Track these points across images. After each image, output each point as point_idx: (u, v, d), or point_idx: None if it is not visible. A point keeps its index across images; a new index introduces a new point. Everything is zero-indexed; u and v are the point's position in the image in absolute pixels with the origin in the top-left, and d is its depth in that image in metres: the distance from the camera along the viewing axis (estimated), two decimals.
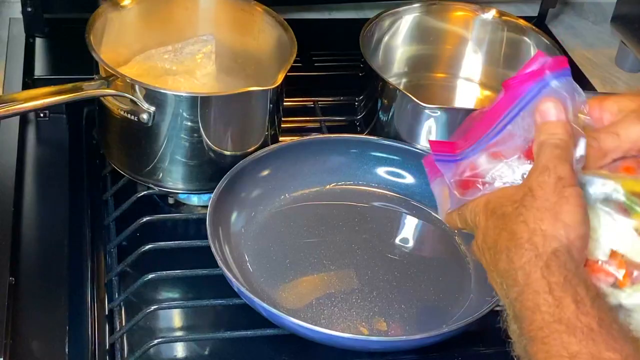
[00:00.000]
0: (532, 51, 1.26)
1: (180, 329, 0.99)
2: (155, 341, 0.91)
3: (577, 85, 0.75)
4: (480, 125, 0.78)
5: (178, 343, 0.96)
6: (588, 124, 0.75)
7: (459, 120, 1.09)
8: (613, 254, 0.70)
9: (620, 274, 0.70)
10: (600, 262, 0.70)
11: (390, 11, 1.27)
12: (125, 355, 0.92)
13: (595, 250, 0.70)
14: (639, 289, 0.70)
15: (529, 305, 0.64)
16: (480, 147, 0.77)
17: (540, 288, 0.64)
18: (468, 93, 1.33)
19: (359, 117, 1.24)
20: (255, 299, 0.90)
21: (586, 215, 0.68)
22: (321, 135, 1.21)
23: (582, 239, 0.67)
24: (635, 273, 0.70)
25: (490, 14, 1.29)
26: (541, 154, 0.70)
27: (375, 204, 1.12)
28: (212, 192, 1.01)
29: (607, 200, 0.72)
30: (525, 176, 0.72)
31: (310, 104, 1.31)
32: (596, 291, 0.65)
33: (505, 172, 0.75)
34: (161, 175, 1.06)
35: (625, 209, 0.71)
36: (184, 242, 1.02)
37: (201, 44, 1.17)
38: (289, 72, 1.04)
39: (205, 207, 1.02)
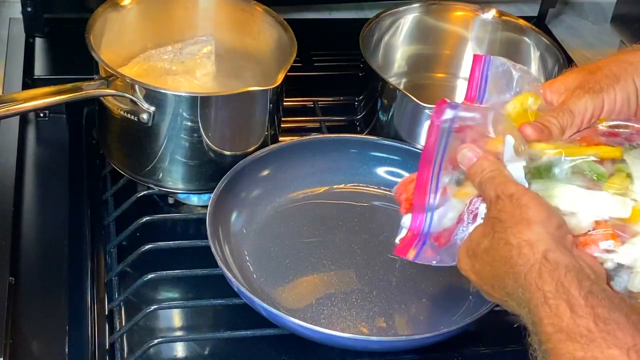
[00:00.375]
0: (532, 51, 1.27)
1: (180, 328, 0.99)
2: (155, 341, 0.91)
3: (523, 69, 0.84)
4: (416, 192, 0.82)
5: (178, 343, 0.96)
6: (542, 107, 0.82)
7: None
8: (597, 224, 0.74)
9: (609, 239, 0.74)
10: (587, 234, 0.74)
11: (390, 11, 1.27)
12: (125, 355, 0.92)
13: (580, 226, 0.74)
14: (631, 242, 0.73)
15: (536, 320, 0.66)
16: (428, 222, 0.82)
17: (538, 300, 0.66)
18: None
19: (359, 117, 1.24)
20: (255, 299, 0.90)
21: (550, 208, 0.72)
22: (321, 135, 1.21)
23: (560, 226, 0.71)
24: (622, 232, 0.74)
25: (490, 14, 1.29)
26: (485, 190, 0.75)
27: (375, 203, 1.12)
28: (212, 192, 1.01)
29: (576, 174, 0.76)
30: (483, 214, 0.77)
31: (310, 104, 1.31)
32: (591, 280, 0.66)
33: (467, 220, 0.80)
34: (161, 175, 1.06)
35: (593, 180, 0.76)
36: (184, 242, 1.02)
37: (201, 44, 1.17)
38: (289, 72, 1.04)
39: (205, 207, 1.02)
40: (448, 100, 0.79)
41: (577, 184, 0.75)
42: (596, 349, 0.61)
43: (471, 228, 0.78)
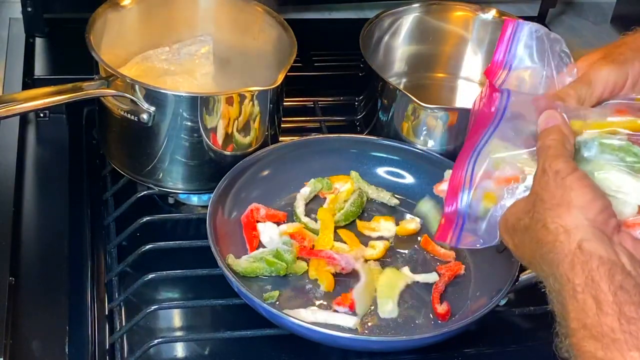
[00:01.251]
0: None
1: (180, 329, 0.99)
2: (155, 341, 0.91)
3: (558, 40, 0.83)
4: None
5: (178, 343, 0.96)
6: None
7: (458, 121, 1.09)
8: None
9: None
10: (632, 218, 0.73)
11: (390, 11, 1.27)
12: (125, 355, 0.92)
13: (624, 210, 0.73)
14: None
15: (565, 312, 0.65)
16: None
17: (567, 293, 0.65)
18: (468, 93, 1.33)
19: (359, 117, 1.24)
20: (255, 299, 0.90)
21: (596, 190, 0.70)
22: (321, 135, 1.21)
23: (603, 211, 0.69)
24: None
25: (490, 14, 1.29)
26: (539, 159, 0.73)
27: (375, 203, 1.12)
28: (212, 192, 1.01)
29: (621, 159, 0.76)
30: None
31: (310, 104, 1.31)
32: (624, 273, 0.64)
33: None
34: (161, 175, 1.06)
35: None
36: (184, 242, 1.02)
37: (199, 44, 1.17)
38: (289, 72, 1.04)
39: (205, 207, 1.02)
40: (501, 89, 0.78)
41: (624, 168, 0.75)
42: (616, 350, 0.60)
43: (509, 203, 0.77)
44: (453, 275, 1.00)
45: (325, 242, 1.01)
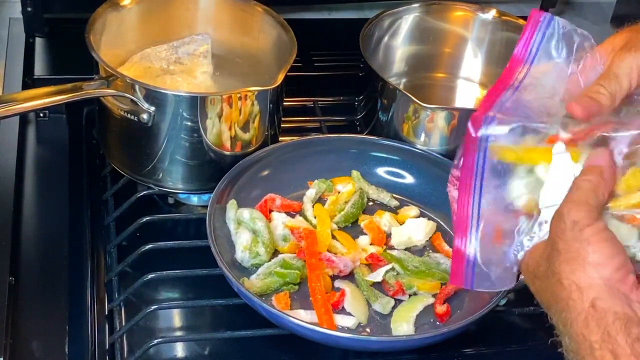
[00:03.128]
0: None
1: (180, 329, 0.99)
2: (155, 341, 0.91)
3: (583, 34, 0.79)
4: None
5: (178, 343, 0.96)
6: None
7: (459, 121, 1.09)
8: None
9: None
10: None
11: (390, 11, 1.27)
12: (125, 355, 0.92)
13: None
14: None
15: None
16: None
17: (585, 352, 0.64)
18: (468, 93, 1.33)
19: (358, 117, 1.24)
20: (255, 299, 0.90)
21: (615, 245, 0.68)
22: (321, 135, 1.21)
23: (620, 269, 0.67)
24: None
25: (490, 14, 1.29)
26: (565, 197, 0.71)
27: (375, 203, 1.12)
28: (212, 192, 1.01)
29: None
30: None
31: (310, 103, 1.31)
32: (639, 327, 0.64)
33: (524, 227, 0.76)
34: (161, 175, 1.06)
35: None
36: (184, 242, 1.02)
37: (197, 43, 1.17)
38: (289, 72, 1.04)
39: (205, 207, 1.02)
40: (485, 114, 0.75)
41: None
42: None
43: (526, 242, 0.75)
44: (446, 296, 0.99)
45: (324, 238, 1.01)
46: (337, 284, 0.98)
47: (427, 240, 1.05)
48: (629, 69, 0.75)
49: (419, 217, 1.08)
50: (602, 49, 0.79)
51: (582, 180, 0.71)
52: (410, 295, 0.97)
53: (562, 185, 0.73)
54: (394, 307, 0.96)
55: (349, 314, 0.95)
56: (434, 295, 0.98)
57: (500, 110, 0.76)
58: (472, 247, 0.77)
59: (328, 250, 1.00)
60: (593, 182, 0.70)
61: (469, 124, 0.76)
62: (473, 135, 0.75)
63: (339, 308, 0.95)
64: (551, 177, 0.76)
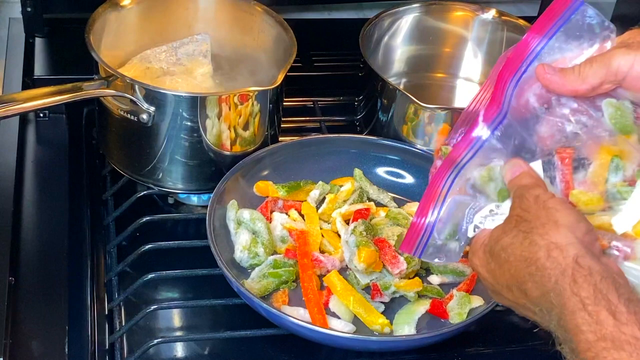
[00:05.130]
0: None
1: (180, 328, 0.99)
2: (155, 341, 0.91)
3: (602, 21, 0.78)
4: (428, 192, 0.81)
5: (178, 343, 0.96)
6: None
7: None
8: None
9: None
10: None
11: (390, 11, 1.27)
12: (125, 355, 0.92)
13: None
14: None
15: (571, 327, 0.63)
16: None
17: (574, 307, 0.63)
18: (468, 93, 1.33)
19: (358, 117, 1.24)
20: (255, 299, 0.90)
21: (578, 212, 0.70)
22: (321, 135, 1.21)
23: (589, 232, 0.68)
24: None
25: (490, 14, 1.29)
26: (513, 195, 0.74)
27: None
28: (212, 192, 1.01)
29: None
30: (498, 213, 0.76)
31: (310, 104, 1.31)
32: (626, 288, 0.64)
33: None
34: (161, 175, 1.06)
35: None
36: (184, 242, 1.02)
37: (196, 43, 1.17)
38: (288, 72, 1.04)
39: (205, 207, 1.02)
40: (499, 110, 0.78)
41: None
42: None
43: (481, 224, 0.77)
44: (469, 290, 0.99)
45: (315, 236, 1.01)
46: (326, 282, 0.98)
47: None
48: (617, 64, 0.75)
49: None
50: (617, 40, 0.78)
51: (519, 179, 0.75)
52: (387, 296, 0.97)
53: None
54: (391, 311, 0.96)
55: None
56: (419, 294, 0.97)
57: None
58: (433, 217, 0.79)
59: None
60: (531, 182, 0.74)
61: (483, 112, 0.79)
62: (481, 125, 0.78)
63: (328, 307, 0.95)
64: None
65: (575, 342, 0.63)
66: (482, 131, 0.79)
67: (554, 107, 0.78)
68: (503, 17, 1.29)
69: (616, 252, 0.71)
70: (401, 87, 1.30)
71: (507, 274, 0.70)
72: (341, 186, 1.09)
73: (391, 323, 0.94)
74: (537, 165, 0.77)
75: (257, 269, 0.97)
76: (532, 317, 0.70)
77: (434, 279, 1.00)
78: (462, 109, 1.15)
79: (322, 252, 1.01)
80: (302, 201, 1.07)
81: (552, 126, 0.78)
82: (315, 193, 1.07)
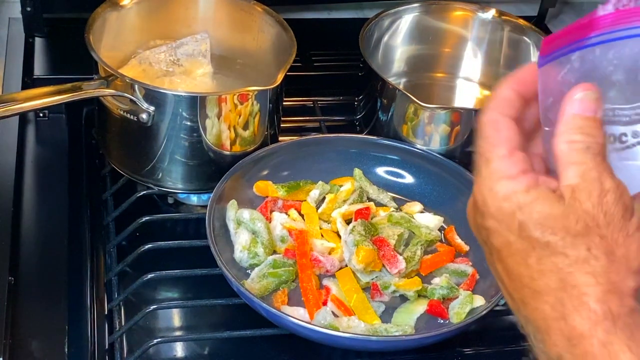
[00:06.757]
0: (532, 51, 1.26)
1: (180, 328, 0.99)
2: (155, 341, 0.91)
3: None
4: None
5: (178, 343, 0.96)
6: None
7: (458, 120, 1.09)
8: None
9: None
10: None
11: (390, 11, 1.27)
12: (125, 355, 0.92)
13: None
14: None
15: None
16: None
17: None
18: (468, 93, 1.33)
19: (358, 117, 1.23)
20: (255, 299, 0.90)
21: None
22: (321, 135, 1.21)
23: None
24: None
25: (490, 14, 1.29)
26: (574, 162, 0.54)
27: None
28: (212, 192, 1.01)
29: None
30: None
31: (309, 103, 1.31)
32: None
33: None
34: (161, 175, 1.06)
35: None
36: (183, 242, 1.02)
37: (196, 42, 1.17)
38: (288, 72, 1.04)
39: (205, 207, 1.02)
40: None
41: None
42: None
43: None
44: (471, 288, 0.99)
45: (315, 236, 1.02)
46: (325, 282, 0.98)
47: (440, 233, 1.06)
48: None
49: (422, 212, 1.08)
50: None
51: (589, 142, 0.55)
52: (387, 296, 0.97)
53: None
54: (390, 311, 0.96)
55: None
56: (417, 292, 0.97)
57: None
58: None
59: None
60: (601, 142, 0.55)
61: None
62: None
63: (326, 306, 0.95)
64: None
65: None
66: None
67: None
68: (503, 17, 1.29)
69: None
70: (401, 87, 1.30)
71: (521, 267, 0.56)
72: (341, 186, 1.09)
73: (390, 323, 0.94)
74: None
75: (256, 269, 0.97)
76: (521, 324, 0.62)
77: (436, 280, 1.00)
78: (462, 108, 1.16)
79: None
80: (302, 201, 1.07)
81: None
82: (315, 193, 1.07)
